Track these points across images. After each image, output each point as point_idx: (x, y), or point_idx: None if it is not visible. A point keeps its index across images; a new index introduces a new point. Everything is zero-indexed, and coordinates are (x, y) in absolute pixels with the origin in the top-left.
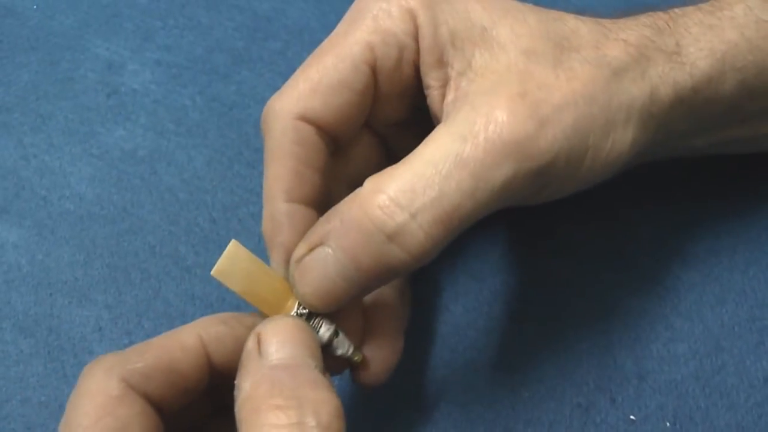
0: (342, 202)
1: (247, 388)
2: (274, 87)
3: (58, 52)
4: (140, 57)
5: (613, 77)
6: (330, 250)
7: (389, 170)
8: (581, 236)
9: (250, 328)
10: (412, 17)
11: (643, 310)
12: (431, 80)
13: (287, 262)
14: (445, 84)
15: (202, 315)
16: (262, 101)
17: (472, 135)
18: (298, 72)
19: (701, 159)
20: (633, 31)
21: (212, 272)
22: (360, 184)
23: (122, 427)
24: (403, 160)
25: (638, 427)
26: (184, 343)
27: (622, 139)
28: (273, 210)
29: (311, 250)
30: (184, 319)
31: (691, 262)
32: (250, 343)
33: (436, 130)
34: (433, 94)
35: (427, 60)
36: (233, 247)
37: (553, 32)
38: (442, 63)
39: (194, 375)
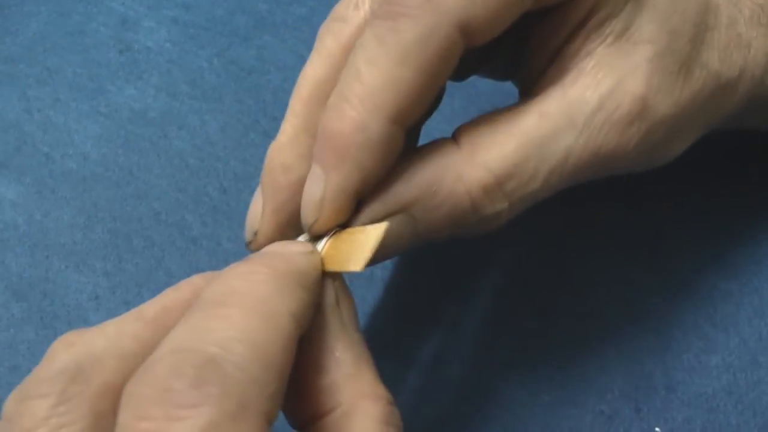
0: (431, 163)
1: (349, 361)
2: (297, 54)
3: (70, 3)
4: (156, 14)
5: (717, 91)
6: (414, 221)
7: (490, 132)
8: (615, 235)
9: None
10: None
11: (675, 318)
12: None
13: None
14: (574, 30)
15: None
16: (284, 68)
17: (587, 129)
18: None
19: (747, 159)
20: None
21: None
22: None
23: None
24: (507, 121)
25: None
26: None
27: (680, 147)
28: (365, 121)
29: (389, 216)
30: None
31: (730, 270)
32: (332, 299)
33: (550, 96)
34: (550, 36)
35: None
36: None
37: (700, 10)
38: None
39: None
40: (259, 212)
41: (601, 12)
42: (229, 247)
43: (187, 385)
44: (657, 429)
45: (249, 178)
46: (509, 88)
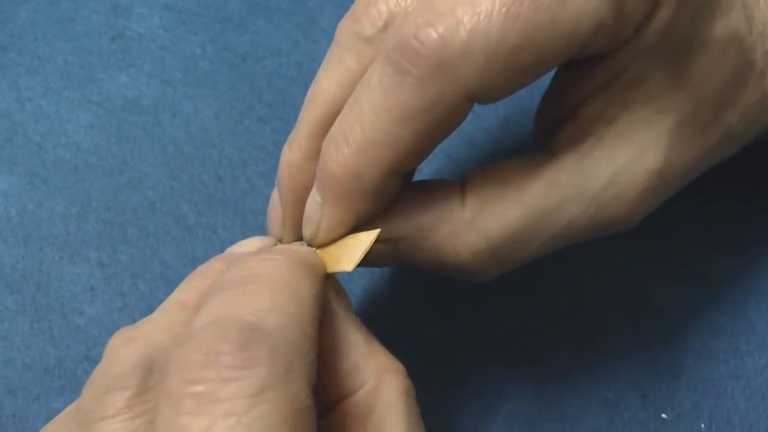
0: (430, 210)
1: (362, 342)
2: (292, 39)
3: None
4: (148, 0)
5: (730, 144)
6: (398, 252)
7: (497, 195)
8: None
9: None
10: None
11: (680, 302)
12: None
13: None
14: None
15: None
16: (278, 53)
17: (595, 203)
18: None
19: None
20: None
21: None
22: None
23: None
24: (516, 183)
25: (670, 427)
26: None
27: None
28: (360, 170)
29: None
30: None
31: (735, 255)
32: (333, 292)
33: (564, 163)
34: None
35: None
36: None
37: (734, 71)
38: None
39: None
40: (279, 220)
41: (631, 73)
42: (225, 235)
43: (235, 348)
44: (663, 416)
45: (244, 165)
46: None
